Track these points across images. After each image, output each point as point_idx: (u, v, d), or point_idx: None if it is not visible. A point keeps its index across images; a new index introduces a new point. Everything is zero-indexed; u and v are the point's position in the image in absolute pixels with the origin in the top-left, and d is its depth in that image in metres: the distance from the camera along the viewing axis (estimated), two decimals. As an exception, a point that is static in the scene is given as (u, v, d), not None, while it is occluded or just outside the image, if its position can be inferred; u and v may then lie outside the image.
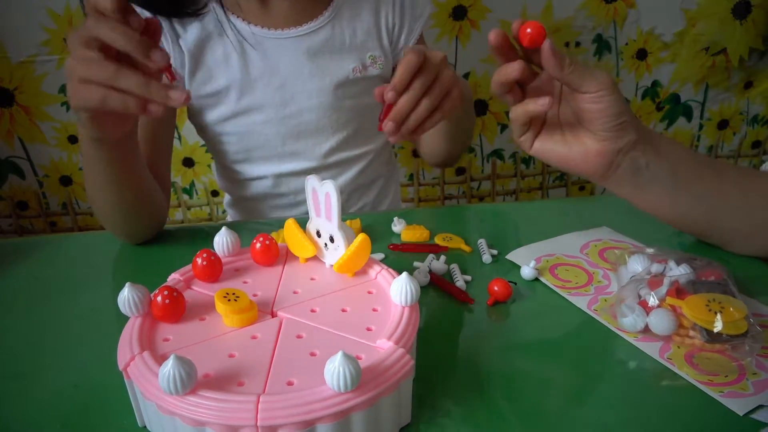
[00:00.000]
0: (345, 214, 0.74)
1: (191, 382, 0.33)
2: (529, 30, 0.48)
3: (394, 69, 0.85)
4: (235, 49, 0.77)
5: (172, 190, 1.41)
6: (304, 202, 0.85)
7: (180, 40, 0.76)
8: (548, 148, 0.56)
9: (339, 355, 0.33)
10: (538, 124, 0.56)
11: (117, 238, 0.68)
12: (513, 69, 0.51)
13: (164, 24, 0.75)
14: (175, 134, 1.33)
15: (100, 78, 0.48)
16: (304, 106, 0.80)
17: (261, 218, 0.89)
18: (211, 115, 0.80)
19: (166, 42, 0.75)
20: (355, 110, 0.83)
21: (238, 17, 0.77)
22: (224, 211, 1.45)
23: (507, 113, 1.52)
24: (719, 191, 0.55)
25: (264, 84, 0.78)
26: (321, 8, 0.79)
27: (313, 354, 0.38)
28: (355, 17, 0.81)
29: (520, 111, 0.53)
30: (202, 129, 0.84)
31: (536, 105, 0.51)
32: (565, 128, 0.55)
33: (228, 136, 0.82)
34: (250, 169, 0.85)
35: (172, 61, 0.70)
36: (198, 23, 0.76)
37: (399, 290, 0.41)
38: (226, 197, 0.95)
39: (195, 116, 0.83)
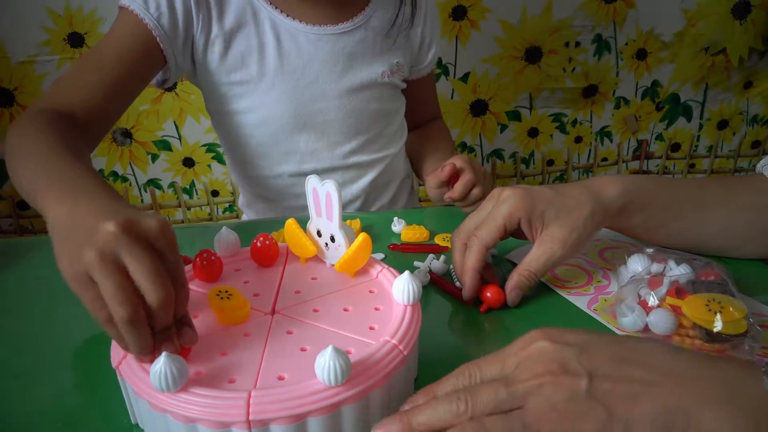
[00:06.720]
0: (362, 213, 0.73)
1: (182, 379, 0.33)
2: (488, 294, 0.53)
3: (406, 81, 0.87)
4: (271, 40, 0.76)
5: (172, 190, 1.42)
6: None
7: (215, 21, 0.74)
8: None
9: (329, 350, 0.33)
10: None
11: None
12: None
13: (203, 2, 0.73)
14: (175, 134, 1.34)
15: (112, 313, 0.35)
16: (331, 105, 0.79)
17: (276, 218, 0.85)
18: (238, 104, 0.79)
19: (201, 18, 0.73)
20: (378, 114, 0.83)
21: (275, 8, 0.77)
22: (225, 211, 1.46)
23: (507, 113, 1.53)
24: (700, 221, 0.56)
25: (297, 78, 0.77)
26: (357, 9, 0.80)
27: (303, 349, 0.38)
28: (388, 23, 0.81)
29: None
30: (223, 117, 0.82)
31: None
32: None
33: (250, 128, 0.80)
34: (268, 166, 0.83)
35: (206, 42, 0.74)
36: (235, 8, 0.75)
37: (401, 289, 0.41)
38: (241, 198, 0.92)
39: (219, 104, 0.80)
